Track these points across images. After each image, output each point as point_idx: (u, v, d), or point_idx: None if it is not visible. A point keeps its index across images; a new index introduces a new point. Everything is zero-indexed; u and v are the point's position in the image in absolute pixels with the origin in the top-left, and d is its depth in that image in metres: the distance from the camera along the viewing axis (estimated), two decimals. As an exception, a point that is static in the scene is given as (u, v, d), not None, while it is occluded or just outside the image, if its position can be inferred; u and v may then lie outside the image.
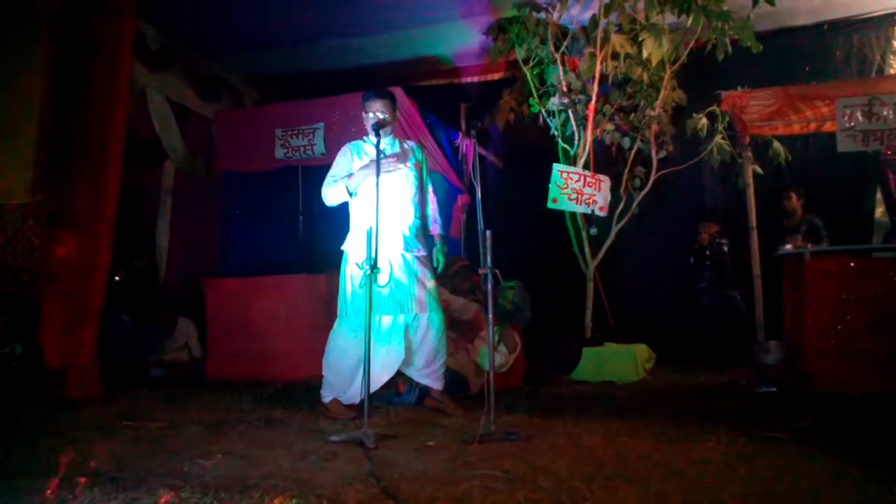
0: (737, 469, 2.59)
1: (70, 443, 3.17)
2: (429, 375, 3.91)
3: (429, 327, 3.82)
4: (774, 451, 2.86)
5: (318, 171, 6.37)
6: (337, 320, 3.85)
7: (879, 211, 6.21)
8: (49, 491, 2.36)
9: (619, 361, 5.25)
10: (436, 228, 4.05)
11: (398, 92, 5.26)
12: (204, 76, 7.00)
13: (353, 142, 3.98)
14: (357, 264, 3.60)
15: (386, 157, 3.69)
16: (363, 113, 3.84)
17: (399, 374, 3.97)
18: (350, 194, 3.77)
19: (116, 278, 5.77)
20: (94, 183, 4.58)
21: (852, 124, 4.60)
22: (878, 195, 6.21)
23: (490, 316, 3.33)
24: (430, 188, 4.05)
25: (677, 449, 2.94)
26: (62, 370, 4.32)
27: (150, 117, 6.34)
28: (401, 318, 3.79)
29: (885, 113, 4.52)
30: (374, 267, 3.30)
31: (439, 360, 3.91)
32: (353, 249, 3.76)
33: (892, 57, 6.13)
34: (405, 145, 3.98)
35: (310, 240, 6.48)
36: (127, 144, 4.76)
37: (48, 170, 4.43)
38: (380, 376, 3.85)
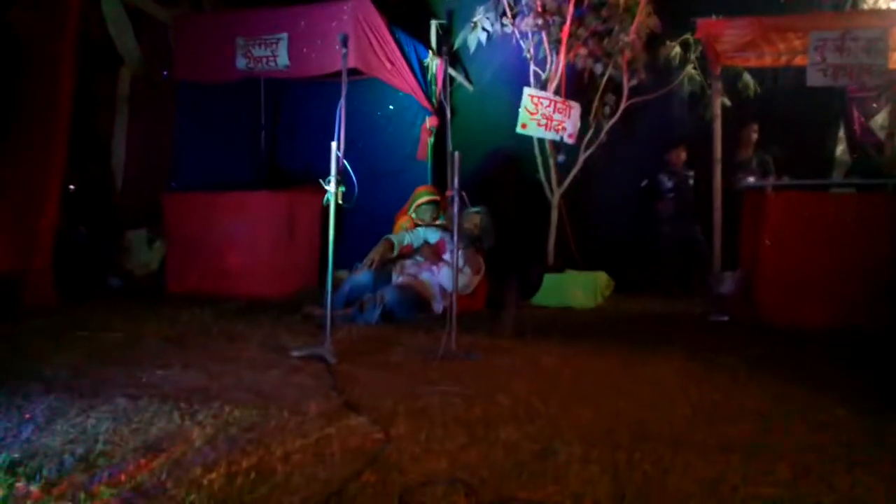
0: (687, 390, 2.69)
1: (23, 350, 3.13)
2: None
3: None
4: (724, 374, 2.97)
5: (282, 84, 6.21)
6: None
7: (840, 149, 6.28)
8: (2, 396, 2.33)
9: (579, 288, 5.32)
10: None
11: (366, 4, 5.06)
12: (161, -23, 6.60)
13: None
14: None
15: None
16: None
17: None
18: None
19: (71, 187, 5.58)
20: (46, 88, 4.36)
21: (823, 58, 4.58)
22: (841, 133, 6.26)
23: (455, 238, 3.33)
24: None
25: (631, 371, 3.04)
26: (16, 276, 4.21)
27: (103, 21, 5.99)
28: None
29: (857, 47, 4.51)
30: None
31: None
32: None
33: (868, -10, 6.05)
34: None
35: (273, 155, 6.32)
36: (80, 49, 4.51)
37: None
38: None
